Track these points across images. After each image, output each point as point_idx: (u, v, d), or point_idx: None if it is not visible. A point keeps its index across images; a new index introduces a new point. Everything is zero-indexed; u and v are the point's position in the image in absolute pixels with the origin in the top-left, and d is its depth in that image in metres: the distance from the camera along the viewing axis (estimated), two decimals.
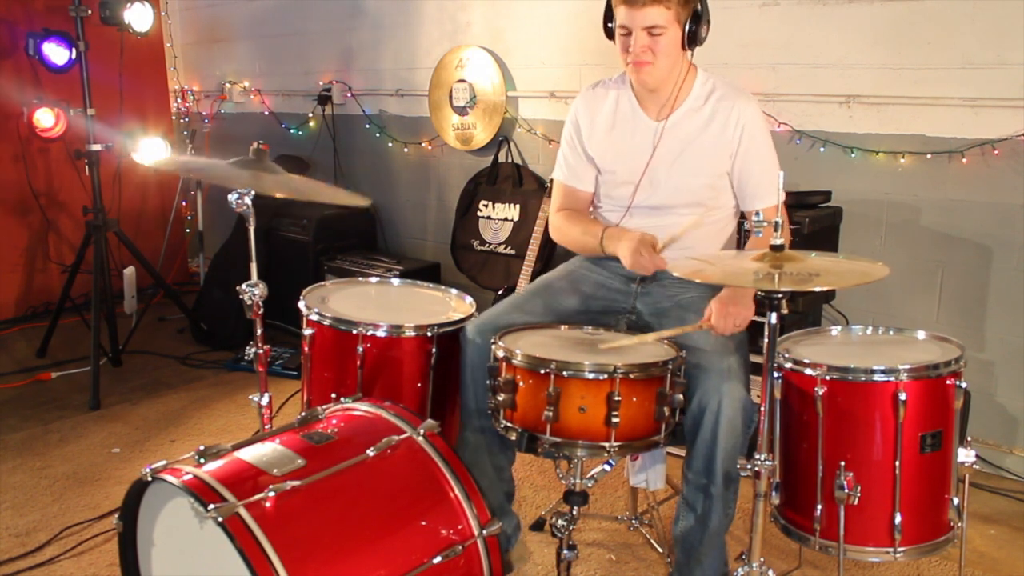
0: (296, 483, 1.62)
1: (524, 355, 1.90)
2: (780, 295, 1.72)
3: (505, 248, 4.03)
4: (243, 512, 1.54)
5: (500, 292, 3.69)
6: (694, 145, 2.25)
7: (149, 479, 1.66)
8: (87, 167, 3.95)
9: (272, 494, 1.58)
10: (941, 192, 3.04)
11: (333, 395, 2.12)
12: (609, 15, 2.22)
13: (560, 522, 1.95)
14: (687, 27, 2.15)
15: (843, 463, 1.92)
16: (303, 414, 1.92)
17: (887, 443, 1.94)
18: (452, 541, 1.73)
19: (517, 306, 2.28)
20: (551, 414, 1.86)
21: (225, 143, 5.40)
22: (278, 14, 5.11)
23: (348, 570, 1.61)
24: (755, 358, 2.22)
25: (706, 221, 2.29)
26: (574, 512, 1.97)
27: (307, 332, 2.31)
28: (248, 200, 2.07)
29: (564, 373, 1.85)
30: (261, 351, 2.19)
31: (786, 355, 2.04)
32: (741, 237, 2.57)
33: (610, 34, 2.24)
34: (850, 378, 1.95)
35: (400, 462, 1.79)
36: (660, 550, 2.48)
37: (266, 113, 5.24)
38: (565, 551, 1.97)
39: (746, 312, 2.03)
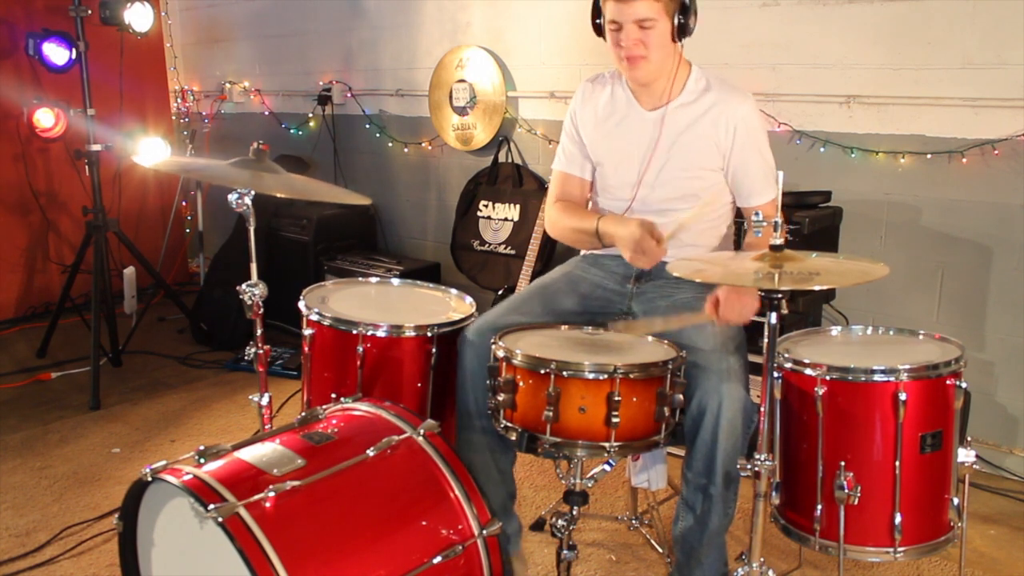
0: (296, 483, 1.62)
1: (524, 355, 1.90)
2: (780, 295, 1.72)
3: (505, 248, 4.03)
4: (243, 512, 1.54)
5: (500, 292, 3.69)
6: (684, 139, 2.24)
7: (149, 479, 1.66)
8: (87, 167, 3.95)
9: (272, 494, 1.58)
10: (941, 192, 3.04)
11: (333, 395, 2.12)
12: (597, 12, 2.22)
13: (560, 522, 1.95)
14: (676, 19, 2.15)
15: (843, 463, 1.92)
16: (303, 414, 1.92)
17: (887, 443, 1.94)
18: (452, 541, 1.73)
19: (515, 308, 2.27)
20: (551, 414, 1.86)
21: (225, 143, 5.40)
22: (278, 14, 5.11)
23: (348, 570, 1.61)
24: (755, 358, 2.22)
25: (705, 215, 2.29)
26: (574, 512, 1.97)
27: (307, 332, 2.30)
28: (248, 200, 2.07)
29: (564, 373, 1.85)
30: (261, 351, 2.19)
31: (786, 355, 2.04)
32: (740, 237, 2.57)
33: (599, 31, 2.24)
34: (850, 378, 1.95)
35: (400, 462, 1.79)
36: (660, 550, 2.48)
37: (266, 113, 5.24)
38: (565, 551, 1.97)
39: (752, 302, 2.01)
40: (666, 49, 2.19)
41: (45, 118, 4.46)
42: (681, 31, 2.17)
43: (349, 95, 4.78)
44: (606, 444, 1.87)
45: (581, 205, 2.43)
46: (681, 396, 1.92)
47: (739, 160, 2.25)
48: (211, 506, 1.52)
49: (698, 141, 2.24)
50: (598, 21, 2.23)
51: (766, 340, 1.77)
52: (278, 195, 2.07)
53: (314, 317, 2.29)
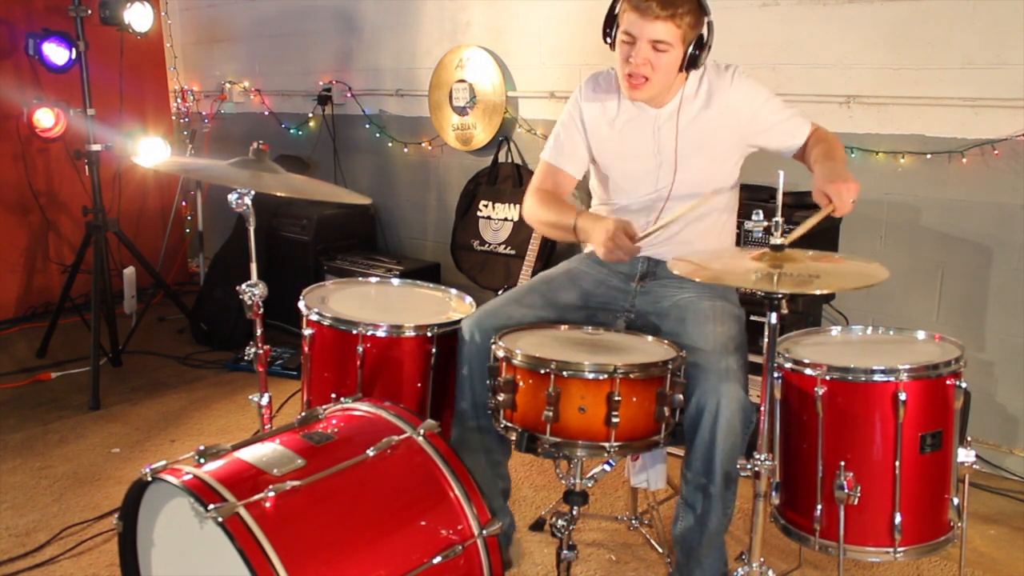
0: (296, 483, 1.62)
1: (524, 355, 1.90)
2: (780, 296, 1.72)
3: (505, 248, 4.03)
4: (243, 512, 1.54)
5: (500, 292, 3.69)
6: (700, 130, 2.24)
7: (149, 479, 1.66)
8: (87, 167, 3.95)
9: (272, 494, 1.58)
10: (941, 192, 3.04)
11: (333, 395, 2.12)
12: (610, 21, 2.19)
13: (560, 522, 1.95)
14: (689, 50, 2.13)
15: (843, 463, 1.92)
16: (303, 414, 1.92)
17: (887, 443, 1.94)
18: (452, 541, 1.73)
19: (515, 299, 2.27)
20: (551, 414, 1.86)
21: (225, 143, 5.40)
22: (278, 14, 5.11)
23: (348, 570, 1.61)
24: (755, 358, 2.22)
25: (701, 212, 2.28)
26: (574, 512, 1.97)
27: (307, 332, 2.31)
28: (248, 200, 2.08)
29: (564, 373, 1.85)
30: (261, 351, 2.19)
31: (786, 355, 2.04)
32: (741, 234, 2.58)
33: (608, 38, 2.21)
34: (850, 378, 1.95)
35: (400, 462, 1.79)
36: (660, 550, 2.48)
37: (266, 113, 5.24)
38: (565, 551, 1.97)
39: (854, 184, 2.02)
40: (670, 76, 2.17)
41: (45, 118, 4.45)
42: (691, 63, 2.15)
43: (349, 95, 4.77)
44: (606, 444, 1.87)
45: (561, 198, 2.39)
46: (681, 396, 1.92)
47: (764, 125, 2.24)
48: (211, 506, 1.52)
49: (713, 129, 2.24)
50: (609, 31, 2.19)
51: (766, 340, 1.77)
52: (278, 195, 2.08)
53: (314, 317, 2.29)
